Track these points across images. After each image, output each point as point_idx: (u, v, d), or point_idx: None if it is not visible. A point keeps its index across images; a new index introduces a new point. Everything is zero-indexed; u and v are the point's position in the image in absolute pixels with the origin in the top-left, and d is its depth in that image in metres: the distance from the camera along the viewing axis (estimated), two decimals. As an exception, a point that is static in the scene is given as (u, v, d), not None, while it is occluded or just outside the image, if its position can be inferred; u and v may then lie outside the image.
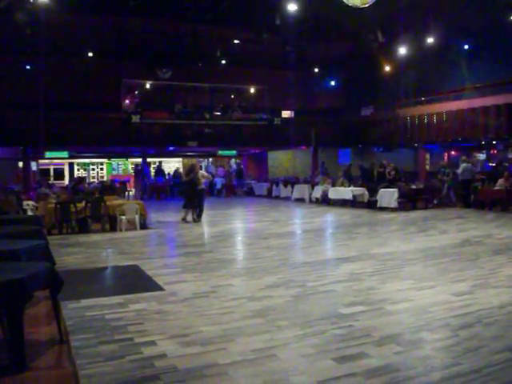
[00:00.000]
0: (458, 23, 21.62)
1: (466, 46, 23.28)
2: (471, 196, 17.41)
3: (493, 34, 20.18)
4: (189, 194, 14.98)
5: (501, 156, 26.53)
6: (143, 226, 13.58)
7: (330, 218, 16.47)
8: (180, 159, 32.49)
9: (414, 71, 23.93)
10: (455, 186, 18.33)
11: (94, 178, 30.23)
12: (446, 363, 4.32)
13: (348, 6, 10.59)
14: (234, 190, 26.68)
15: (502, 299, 6.14)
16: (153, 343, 4.84)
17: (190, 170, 15.54)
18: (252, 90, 27.21)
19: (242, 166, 28.92)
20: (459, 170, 17.75)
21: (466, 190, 17.53)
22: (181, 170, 30.27)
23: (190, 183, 14.94)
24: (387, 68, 25.02)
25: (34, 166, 27.53)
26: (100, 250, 10.45)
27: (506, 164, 23.06)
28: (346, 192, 18.89)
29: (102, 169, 31.68)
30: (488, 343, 4.72)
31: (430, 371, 4.14)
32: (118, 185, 23.36)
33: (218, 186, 26.89)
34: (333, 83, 28.98)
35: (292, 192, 22.77)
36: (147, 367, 4.29)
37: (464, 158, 19.06)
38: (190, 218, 15.01)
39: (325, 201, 20.26)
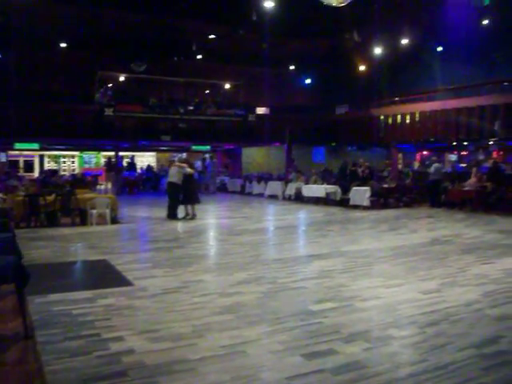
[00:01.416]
0: (431, 25, 21.89)
1: (440, 48, 23.57)
2: (441, 196, 17.64)
3: (466, 36, 20.45)
4: (192, 189, 14.74)
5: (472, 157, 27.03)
6: (114, 221, 13.42)
7: (302, 215, 16.52)
8: (153, 153, 32.27)
9: (389, 71, 24.14)
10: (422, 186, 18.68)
11: (65, 170, 29.81)
12: (413, 360, 4.37)
13: (324, 4, 10.60)
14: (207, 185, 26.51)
15: (468, 297, 6.23)
16: (121, 339, 4.79)
17: (190, 164, 15.35)
18: (227, 86, 27.13)
19: (214, 161, 28.51)
20: (431, 170, 17.98)
21: (435, 189, 17.75)
22: (153, 164, 30.10)
23: (190, 177, 14.73)
24: (362, 67, 25.19)
25: (3, 157, 27.08)
26: (69, 244, 10.30)
27: (474, 165, 23.47)
28: (319, 190, 18.98)
29: (73, 162, 31.27)
30: (454, 340, 4.78)
31: (397, 367, 4.18)
32: (89, 178, 23.08)
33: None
34: (308, 81, 29.08)
35: (265, 189, 22.79)
36: (114, 363, 4.24)
37: (434, 158, 19.39)
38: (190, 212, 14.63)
39: (298, 198, 20.32)
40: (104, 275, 7.59)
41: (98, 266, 8.18)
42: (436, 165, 18.10)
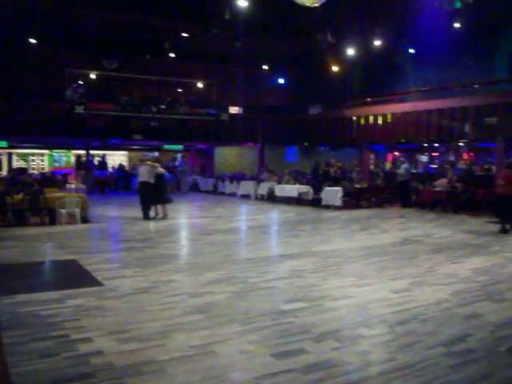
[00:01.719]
0: (404, 28, 22.12)
1: (412, 50, 23.84)
2: (410, 196, 17.86)
3: (437, 39, 20.70)
4: (163, 188, 14.54)
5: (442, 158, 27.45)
6: (84, 220, 13.25)
7: (274, 214, 16.55)
8: (125, 152, 31.94)
9: (361, 73, 24.31)
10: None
11: (34, 169, 29.30)
12: (382, 358, 4.41)
13: (298, 4, 10.62)
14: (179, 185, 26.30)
15: (437, 296, 6.31)
16: (89, 340, 4.74)
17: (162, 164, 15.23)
18: (200, 85, 27.00)
19: (186, 160, 28.21)
20: (401, 171, 18.16)
21: (405, 190, 17.96)
22: (124, 163, 29.81)
23: (161, 177, 14.56)
24: (335, 68, 25.33)
25: (-30, 155, 26.52)
26: (38, 244, 10.14)
27: (448, 166, 23.80)
28: (291, 189, 19.03)
29: (42, 160, 30.75)
30: (423, 339, 4.84)
31: (366, 366, 4.21)
32: (59, 177, 22.73)
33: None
34: (281, 81, 29.12)
35: (238, 188, 22.76)
36: (83, 364, 4.19)
37: (402, 159, 19.64)
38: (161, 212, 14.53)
39: (270, 198, 20.34)
40: (73, 275, 7.50)
41: (68, 266, 8.07)
42: (405, 165, 18.34)
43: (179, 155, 28.66)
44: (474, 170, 19.95)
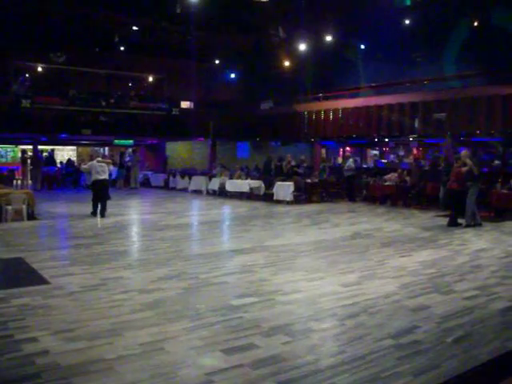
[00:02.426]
0: (355, 24, 22.42)
1: (363, 46, 24.18)
2: (356, 190, 18.14)
3: (388, 35, 21.07)
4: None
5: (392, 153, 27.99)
6: (31, 217, 12.87)
7: (226, 210, 16.50)
8: (74, 147, 31.27)
9: (313, 68, 24.53)
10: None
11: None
12: (332, 351, 4.44)
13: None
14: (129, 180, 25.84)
15: (386, 289, 6.41)
16: (34, 340, 4.61)
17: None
18: (150, 79, 26.68)
19: (137, 154, 27.76)
20: (352, 166, 18.41)
21: (351, 184, 18.23)
22: (73, 158, 29.13)
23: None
24: (287, 64, 25.45)
25: None
26: (-19, 242, 9.79)
27: (397, 161, 24.32)
28: (243, 184, 19.03)
29: (-13, 156, 29.78)
30: (372, 331, 4.90)
31: (316, 360, 4.23)
32: (5, 173, 22.04)
33: (114, 175, 25.93)
34: (233, 76, 29.08)
35: (189, 184, 22.58)
36: (27, 365, 4.07)
37: (348, 154, 19.95)
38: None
39: (222, 193, 20.29)
40: (19, 274, 7.26)
41: (13, 264, 7.80)
42: (351, 160, 18.63)
43: (130, 150, 28.24)
44: (421, 165, 20.38)
